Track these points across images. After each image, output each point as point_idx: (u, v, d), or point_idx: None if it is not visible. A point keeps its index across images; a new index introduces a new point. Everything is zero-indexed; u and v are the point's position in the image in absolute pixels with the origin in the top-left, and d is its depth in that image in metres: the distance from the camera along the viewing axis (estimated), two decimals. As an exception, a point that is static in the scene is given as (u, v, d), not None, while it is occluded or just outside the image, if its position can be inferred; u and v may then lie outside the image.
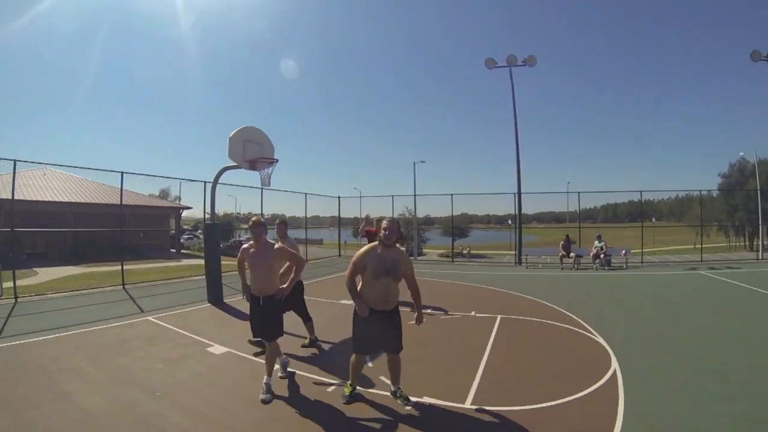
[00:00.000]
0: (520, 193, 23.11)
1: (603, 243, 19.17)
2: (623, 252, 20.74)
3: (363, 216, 12.85)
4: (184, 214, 39.50)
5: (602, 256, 18.91)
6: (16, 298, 12.11)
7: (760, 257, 23.76)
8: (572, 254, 19.32)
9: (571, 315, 9.51)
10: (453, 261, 25.64)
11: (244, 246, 5.52)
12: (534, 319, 9.18)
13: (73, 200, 28.76)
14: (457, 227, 43.19)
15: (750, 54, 22.44)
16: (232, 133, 11.73)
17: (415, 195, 33.58)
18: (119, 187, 14.76)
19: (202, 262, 13.92)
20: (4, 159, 12.44)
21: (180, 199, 45.81)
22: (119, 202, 15.72)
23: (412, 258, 28.67)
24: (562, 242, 19.82)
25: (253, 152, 12.19)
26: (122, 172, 14.79)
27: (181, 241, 41.16)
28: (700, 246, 47.38)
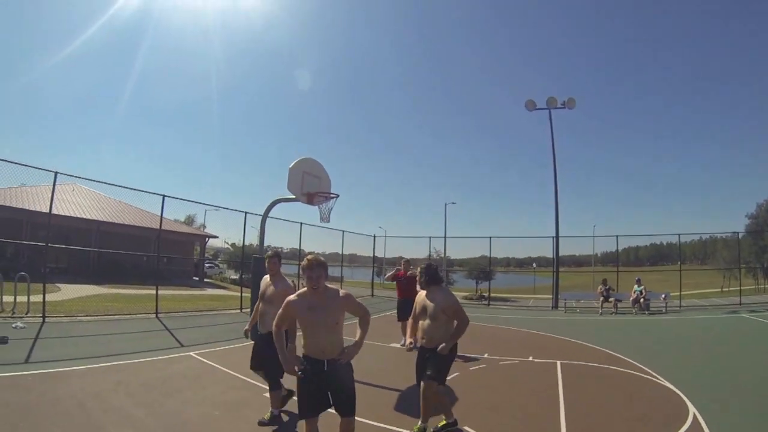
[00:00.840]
0: (558, 237, 23.59)
1: (643, 287, 19.36)
2: (662, 296, 20.82)
3: (398, 258, 12.61)
4: (210, 242, 40.09)
5: (642, 300, 19.05)
6: (44, 317, 11.82)
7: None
8: (611, 298, 19.47)
9: (628, 359, 9.66)
10: (489, 305, 25.63)
11: (292, 298, 3.96)
12: (594, 364, 9.35)
13: (99, 218, 28.67)
14: (483, 270, 43.29)
15: None
16: (291, 165, 11.76)
17: (445, 237, 33.88)
18: (146, 208, 14.75)
19: (226, 292, 13.84)
20: (44, 170, 12.34)
21: (205, 226, 46.13)
22: (151, 225, 15.80)
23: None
24: (600, 287, 19.99)
25: (311, 185, 12.19)
26: (164, 196, 14.74)
27: (204, 269, 40.79)
28: (728, 289, 47.46)
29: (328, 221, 13.14)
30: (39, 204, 22.56)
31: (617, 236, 23.50)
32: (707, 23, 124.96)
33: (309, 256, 3.85)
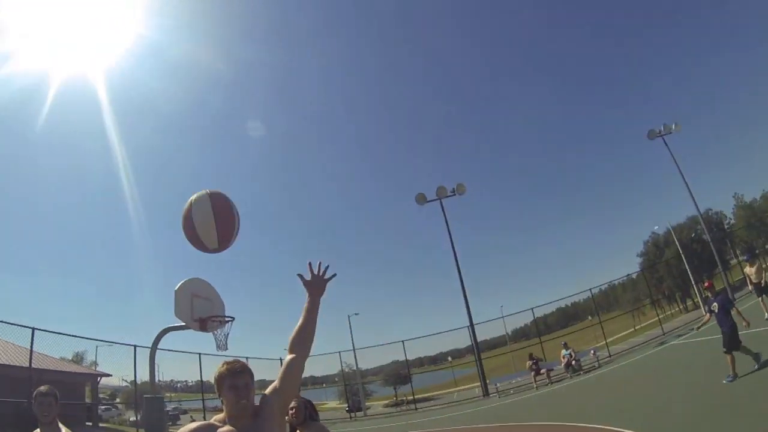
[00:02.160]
0: (472, 324, 23.00)
1: (571, 349, 18.97)
2: (592, 351, 20.49)
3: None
4: (104, 381, 35.53)
5: (573, 362, 18.50)
6: None
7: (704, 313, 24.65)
8: (543, 370, 18.72)
9: (597, 426, 8.65)
10: (417, 408, 23.88)
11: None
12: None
13: None
14: (399, 375, 41.89)
15: (647, 132, 25.01)
16: (177, 286, 10.31)
17: (354, 349, 32.12)
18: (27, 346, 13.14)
19: None
20: None
21: (97, 364, 41.60)
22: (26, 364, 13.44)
23: (360, 413, 27.01)
24: (528, 362, 19.23)
25: (202, 309, 10.70)
26: (33, 329, 13.26)
27: (99, 412, 36.15)
28: (640, 326, 49.77)
29: (226, 349, 11.48)
30: None
31: (532, 309, 23.78)
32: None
33: (228, 360, 2.53)
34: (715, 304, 9.06)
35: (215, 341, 11.28)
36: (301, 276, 2.78)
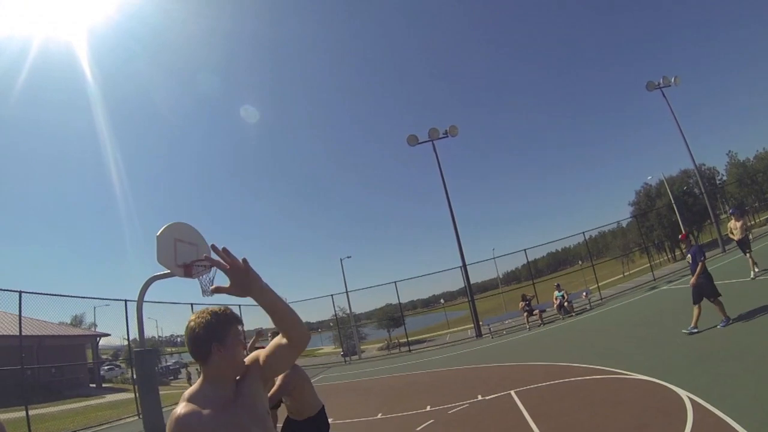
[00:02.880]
0: (465, 265, 23.12)
1: (564, 291, 19.22)
2: (584, 293, 20.79)
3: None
4: (102, 342, 35.81)
5: (566, 304, 18.81)
6: None
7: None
8: (535, 311, 19.06)
9: (585, 365, 8.91)
10: (410, 350, 24.39)
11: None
12: (551, 382, 8.40)
13: None
14: (391, 318, 42.59)
15: (646, 84, 24.74)
16: (159, 232, 10.06)
17: (347, 291, 32.46)
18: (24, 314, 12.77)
19: (127, 395, 11.48)
20: None
21: (96, 325, 42.06)
22: (32, 332, 13.23)
23: (355, 357, 27.49)
24: (521, 303, 19.54)
25: (187, 255, 10.45)
26: (20, 292, 12.71)
27: (101, 373, 37.17)
28: (628, 273, 50.74)
29: (212, 295, 11.18)
30: None
31: (525, 250, 23.57)
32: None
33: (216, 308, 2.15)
34: (689, 255, 9.28)
35: (200, 287, 11.13)
36: (219, 288, 2.00)
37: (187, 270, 10.43)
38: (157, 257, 9.87)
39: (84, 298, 16.52)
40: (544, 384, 8.42)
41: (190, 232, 10.91)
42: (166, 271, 10.24)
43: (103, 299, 17.55)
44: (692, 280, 8.93)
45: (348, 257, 44.52)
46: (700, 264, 8.82)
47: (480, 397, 8.70)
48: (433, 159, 24.75)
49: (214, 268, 11.04)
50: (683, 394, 5.70)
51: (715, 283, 8.78)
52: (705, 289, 8.76)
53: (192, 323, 2.05)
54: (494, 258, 30.02)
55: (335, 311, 31.10)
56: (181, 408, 1.94)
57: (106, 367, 41.80)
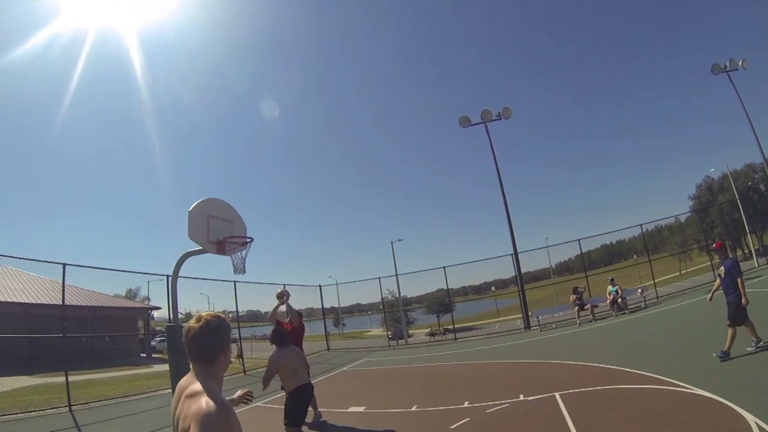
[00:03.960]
0: (517, 253, 22.26)
1: (618, 286, 18.08)
2: (639, 290, 19.59)
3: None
4: (157, 314, 38.23)
5: (620, 300, 17.73)
6: None
7: (756, 265, 23.60)
8: (587, 305, 18.07)
9: (636, 371, 8.10)
10: (456, 338, 23.69)
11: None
12: (599, 387, 7.64)
13: (28, 300, 26.38)
14: (441, 303, 41.96)
15: (711, 67, 23.01)
16: (191, 207, 9.64)
17: (396, 275, 31.95)
18: (84, 285, 13.25)
19: None
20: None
21: (149, 299, 43.90)
22: (88, 302, 13.92)
23: (402, 342, 27.08)
24: (573, 296, 18.59)
25: (220, 231, 10.09)
26: (64, 264, 13.06)
27: (153, 344, 38.82)
28: (685, 271, 48.12)
29: (244, 272, 10.99)
30: None
31: (579, 240, 22.24)
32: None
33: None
34: (722, 268, 8.08)
35: (232, 264, 10.85)
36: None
37: (220, 247, 10.14)
38: (188, 233, 9.57)
39: (126, 272, 17.22)
40: (592, 388, 7.66)
41: (224, 209, 10.56)
42: (199, 248, 9.97)
43: (146, 274, 17.93)
44: (743, 299, 7.60)
45: (399, 240, 44.15)
46: (740, 281, 7.70)
47: (522, 397, 8.00)
48: (486, 142, 23.94)
49: (247, 247, 10.90)
50: (751, 420, 4.90)
51: None
52: (732, 310, 7.78)
53: (210, 323, 2.05)
54: (547, 247, 28.56)
55: (382, 294, 30.52)
56: (226, 401, 1.95)
57: (158, 339, 43.42)
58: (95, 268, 15.02)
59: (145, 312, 37.56)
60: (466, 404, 8.14)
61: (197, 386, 1.96)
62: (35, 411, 11.66)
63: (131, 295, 46.82)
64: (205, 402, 1.86)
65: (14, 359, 23.69)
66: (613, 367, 8.96)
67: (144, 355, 33.23)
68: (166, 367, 23.47)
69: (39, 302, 26.27)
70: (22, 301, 26.16)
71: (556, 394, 7.65)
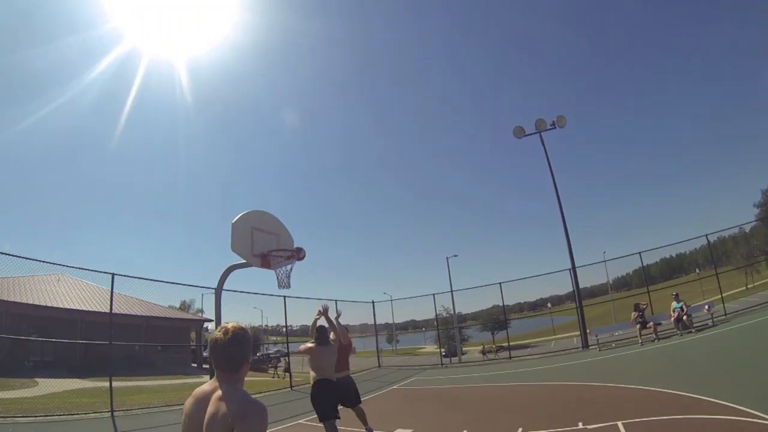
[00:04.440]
0: (575, 268, 21.29)
1: (683, 302, 16.82)
2: (706, 307, 18.23)
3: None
4: (212, 326, 38.69)
5: (684, 317, 16.53)
6: None
7: None
8: (649, 323, 16.96)
9: (709, 399, 7.27)
10: (511, 357, 22.80)
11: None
12: (667, 417, 6.89)
13: (84, 308, 27.58)
14: (496, 320, 40.90)
15: None
16: (235, 219, 9.63)
17: (452, 290, 31.31)
18: (137, 295, 14.41)
19: None
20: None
21: (203, 311, 45.28)
22: (140, 312, 14.72)
23: (455, 359, 26.35)
24: (634, 313, 17.43)
25: (265, 244, 10.03)
26: (113, 274, 13.59)
27: (205, 354, 38.85)
28: (752, 285, 45.01)
29: (288, 287, 10.82)
30: (17, 294, 23.99)
31: (640, 253, 20.47)
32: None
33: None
34: None
35: (276, 278, 10.65)
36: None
37: (264, 261, 9.96)
38: (231, 245, 9.47)
39: (173, 283, 17.93)
40: (658, 418, 6.90)
41: (270, 222, 10.43)
42: (244, 261, 9.83)
43: (193, 286, 18.71)
44: None
45: (455, 256, 43.46)
46: None
47: (581, 425, 7.31)
48: (541, 154, 23.26)
49: (292, 261, 10.68)
50: None
51: None
52: None
53: (237, 334, 2.21)
54: (605, 261, 27.05)
55: (436, 311, 29.92)
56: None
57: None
58: (143, 279, 15.76)
59: (198, 324, 38.87)
60: (519, 431, 7.56)
61: (228, 389, 2.13)
62: (78, 414, 11.85)
63: (185, 307, 48.03)
64: (246, 399, 2.10)
65: (70, 362, 25.09)
66: (680, 393, 8.15)
67: (195, 365, 34.21)
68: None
69: (92, 310, 27.42)
70: (79, 308, 27.44)
71: (619, 424, 6.95)
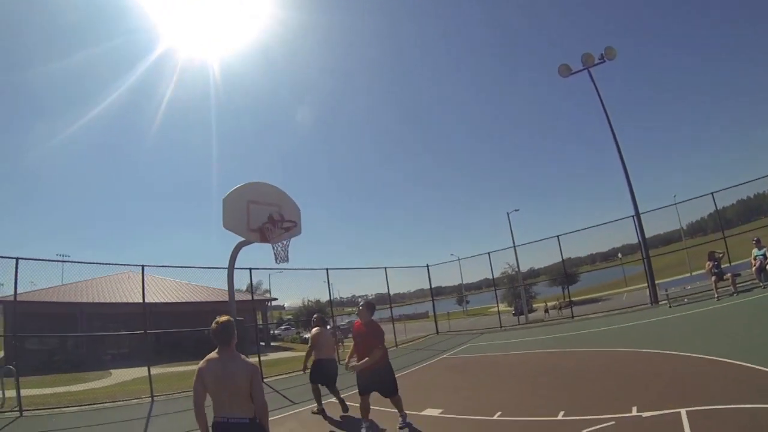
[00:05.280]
0: (638, 214, 19.11)
1: (765, 248, 14.28)
2: (792, 254, 15.72)
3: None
4: (287, 304, 44.88)
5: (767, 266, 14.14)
6: (21, 410, 10.28)
7: None
8: (726, 274, 14.77)
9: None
10: (573, 317, 20.93)
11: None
12: (744, 405, 5.18)
13: (151, 300, 28.41)
14: (563, 274, 39.00)
15: None
16: (227, 194, 8.89)
17: (514, 246, 29.72)
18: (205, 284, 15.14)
19: (291, 354, 11.85)
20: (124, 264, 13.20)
21: (270, 291, 45.73)
22: (205, 299, 14.84)
23: (522, 317, 25.04)
24: (708, 263, 15.20)
25: (264, 217, 9.24)
26: (142, 266, 13.87)
27: (276, 332, 44.31)
28: None
29: (287, 261, 9.93)
30: (92, 295, 26.14)
31: (713, 193, 17.31)
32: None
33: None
34: None
35: (273, 253, 9.73)
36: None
37: (262, 235, 8.97)
38: (223, 222, 8.51)
39: (205, 268, 17.01)
40: (734, 406, 5.22)
41: (268, 193, 9.42)
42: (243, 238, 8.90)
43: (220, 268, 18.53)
44: None
45: (516, 210, 41.57)
46: None
47: (635, 412, 5.78)
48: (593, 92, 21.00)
49: (290, 234, 9.64)
50: None
51: None
52: None
53: (226, 322, 3.95)
54: (675, 204, 23.72)
55: (491, 269, 28.34)
56: None
57: (283, 327, 45.35)
58: (170, 267, 17.15)
59: (263, 304, 40.07)
60: (560, 416, 6.19)
61: (234, 355, 3.87)
62: (121, 401, 11.80)
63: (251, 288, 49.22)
64: (248, 361, 3.90)
65: (143, 352, 25.79)
66: (764, 368, 6.45)
67: (263, 343, 34.85)
68: (282, 354, 24.40)
69: (159, 301, 29.17)
70: (149, 301, 28.06)
71: (682, 411, 5.38)
